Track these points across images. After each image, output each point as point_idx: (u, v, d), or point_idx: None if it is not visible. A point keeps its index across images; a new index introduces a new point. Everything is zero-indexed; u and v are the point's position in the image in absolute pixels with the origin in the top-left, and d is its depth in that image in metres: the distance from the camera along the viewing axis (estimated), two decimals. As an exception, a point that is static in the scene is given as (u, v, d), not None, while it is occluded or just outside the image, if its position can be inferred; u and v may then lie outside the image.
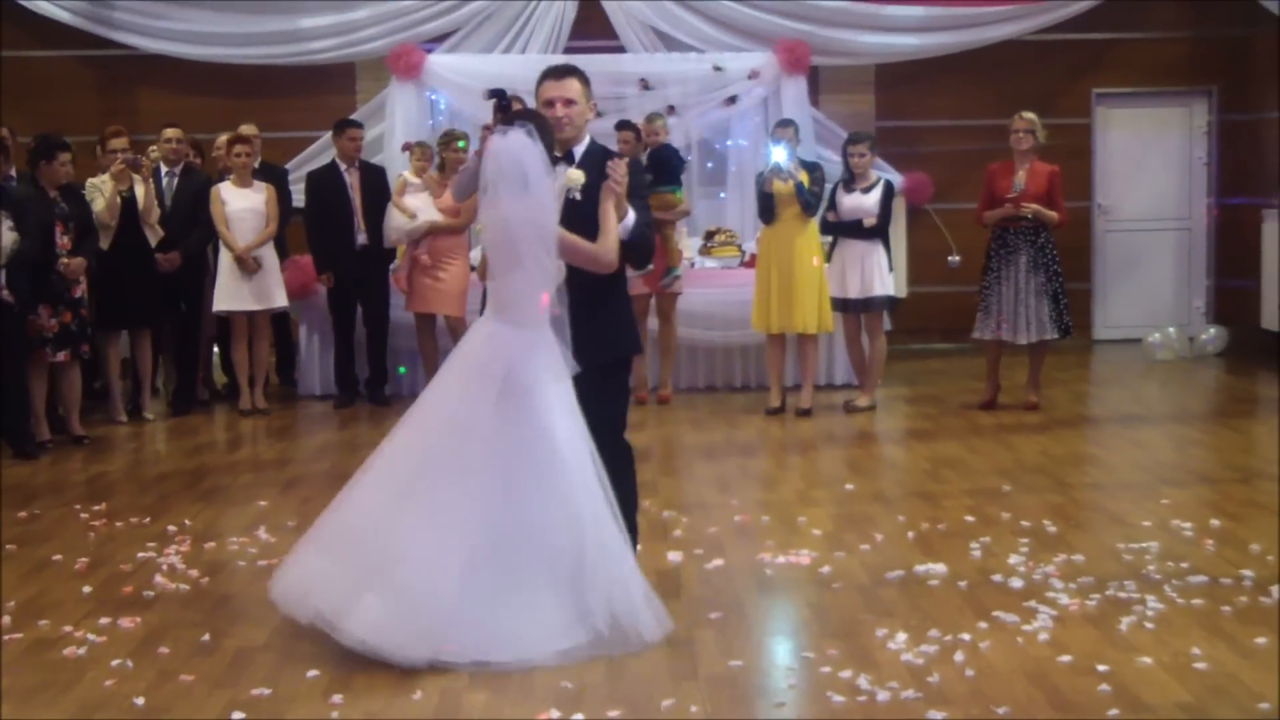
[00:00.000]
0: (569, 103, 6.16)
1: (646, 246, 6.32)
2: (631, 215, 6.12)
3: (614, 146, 12.18)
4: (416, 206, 11.89)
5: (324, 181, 12.25)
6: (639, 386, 12.23)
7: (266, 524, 8.11)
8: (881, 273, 11.35)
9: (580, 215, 6.05)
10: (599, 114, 12.47)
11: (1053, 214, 11.09)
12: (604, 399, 6.19)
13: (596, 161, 6.15)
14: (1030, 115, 11.25)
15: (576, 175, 6.05)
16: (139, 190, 11.50)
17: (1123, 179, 15.46)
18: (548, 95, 6.20)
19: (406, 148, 12.41)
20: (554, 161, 6.04)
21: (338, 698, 5.41)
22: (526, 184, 5.76)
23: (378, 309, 12.25)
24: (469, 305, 11.46)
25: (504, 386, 5.84)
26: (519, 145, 5.77)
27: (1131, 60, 15.16)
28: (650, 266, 11.48)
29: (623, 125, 12.14)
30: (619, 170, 5.99)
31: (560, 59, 13.90)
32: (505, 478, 5.79)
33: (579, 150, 6.24)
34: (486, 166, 5.85)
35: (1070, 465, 9.59)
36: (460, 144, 11.97)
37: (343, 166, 12.22)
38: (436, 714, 5.24)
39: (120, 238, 11.32)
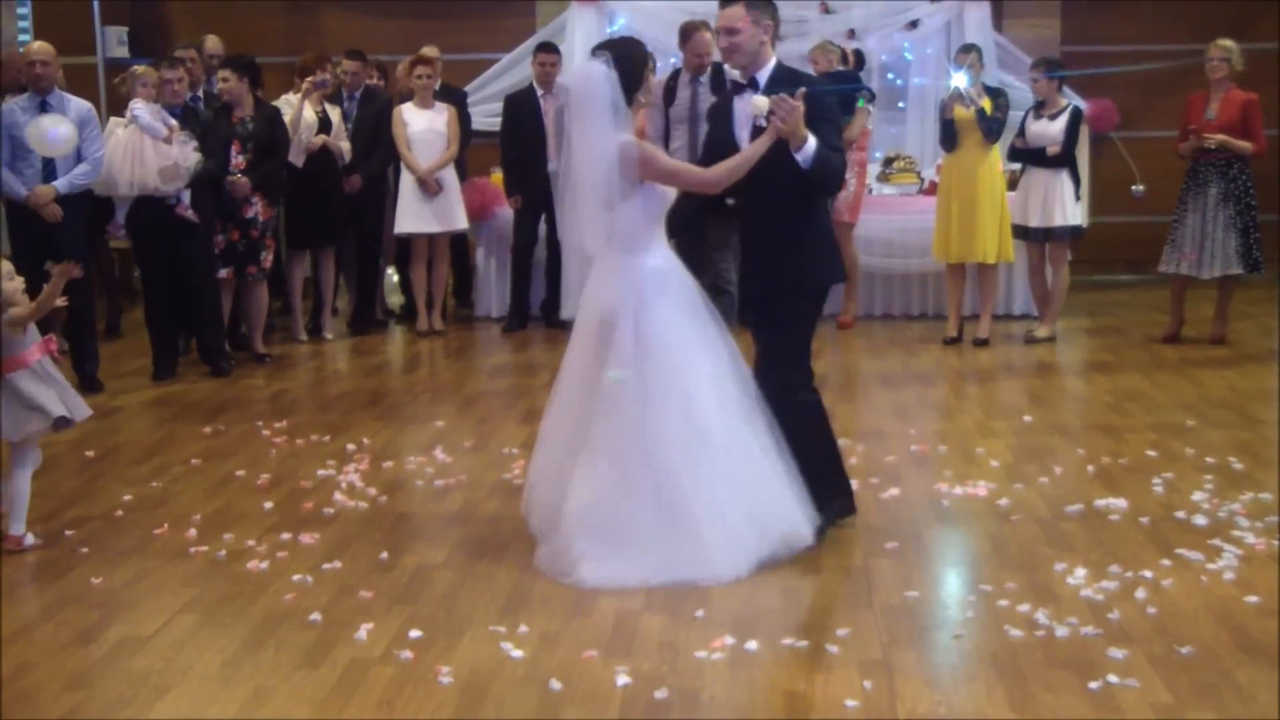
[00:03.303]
0: (731, 32, 6.09)
1: (830, 174, 6.09)
2: (812, 143, 5.89)
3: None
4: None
5: (519, 104, 12.16)
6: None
7: (444, 444, 8.21)
8: (1064, 203, 11.11)
9: None
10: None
11: (1244, 144, 10.74)
12: (763, 326, 6.31)
13: (784, 86, 6.01)
14: (1226, 43, 10.89)
15: (761, 102, 5.94)
16: (333, 113, 11.62)
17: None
18: (716, 27, 6.19)
19: None
20: (736, 90, 6.12)
21: (515, 617, 5.44)
22: (593, 115, 5.77)
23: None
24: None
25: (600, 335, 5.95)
26: (587, 76, 5.83)
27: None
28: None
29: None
30: (784, 108, 5.80)
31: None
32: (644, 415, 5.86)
33: (763, 76, 6.14)
34: (567, 96, 5.98)
35: (1258, 401, 9.30)
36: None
37: (539, 91, 12.10)
38: (613, 637, 5.27)
39: (315, 158, 11.43)
